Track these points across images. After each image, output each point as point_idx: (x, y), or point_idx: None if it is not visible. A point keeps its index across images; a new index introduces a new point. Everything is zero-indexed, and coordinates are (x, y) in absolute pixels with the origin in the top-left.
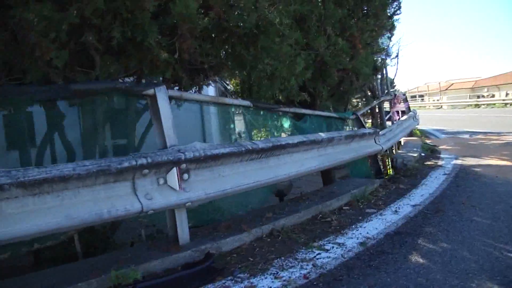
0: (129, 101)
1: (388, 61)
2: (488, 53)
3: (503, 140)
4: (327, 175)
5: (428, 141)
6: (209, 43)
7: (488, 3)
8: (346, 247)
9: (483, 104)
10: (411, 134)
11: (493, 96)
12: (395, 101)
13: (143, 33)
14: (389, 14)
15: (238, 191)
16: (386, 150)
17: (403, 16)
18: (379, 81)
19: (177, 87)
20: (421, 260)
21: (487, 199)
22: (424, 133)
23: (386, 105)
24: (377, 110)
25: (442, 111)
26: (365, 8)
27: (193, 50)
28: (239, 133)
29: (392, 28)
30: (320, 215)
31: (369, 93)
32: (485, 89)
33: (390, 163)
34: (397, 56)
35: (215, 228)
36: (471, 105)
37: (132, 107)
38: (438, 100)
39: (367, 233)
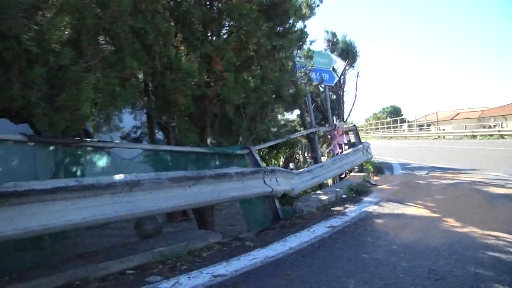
0: None
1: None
2: (498, 82)
3: (455, 179)
4: (200, 218)
5: (375, 178)
6: None
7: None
8: None
9: (479, 135)
10: (361, 169)
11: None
12: (335, 132)
13: None
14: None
15: None
16: (302, 191)
17: (418, 40)
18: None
19: None
20: None
21: (322, 277)
22: (382, 168)
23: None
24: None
25: (439, 141)
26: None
27: None
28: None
29: (283, 47)
30: (78, 282)
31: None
32: (492, 119)
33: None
34: (356, 85)
35: None
36: (467, 136)
37: None
38: (433, 129)
39: None
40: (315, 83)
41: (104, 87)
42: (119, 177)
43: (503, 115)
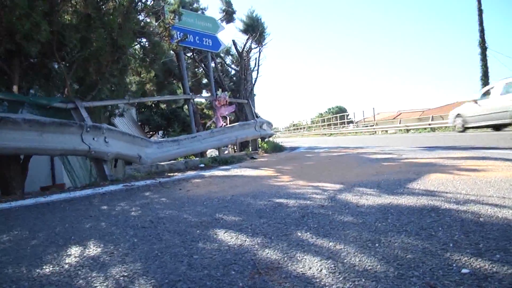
0: None
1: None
2: (440, 85)
3: (349, 152)
4: None
5: (264, 155)
6: None
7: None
8: None
9: (412, 129)
10: (255, 147)
11: None
12: (216, 103)
13: None
14: None
15: None
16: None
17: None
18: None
19: None
20: None
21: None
22: (283, 148)
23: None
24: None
25: (373, 136)
26: None
27: None
28: None
29: None
30: None
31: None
32: (430, 119)
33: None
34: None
35: None
36: (401, 130)
37: None
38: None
39: None
40: (175, 41)
41: None
42: None
43: (441, 115)
